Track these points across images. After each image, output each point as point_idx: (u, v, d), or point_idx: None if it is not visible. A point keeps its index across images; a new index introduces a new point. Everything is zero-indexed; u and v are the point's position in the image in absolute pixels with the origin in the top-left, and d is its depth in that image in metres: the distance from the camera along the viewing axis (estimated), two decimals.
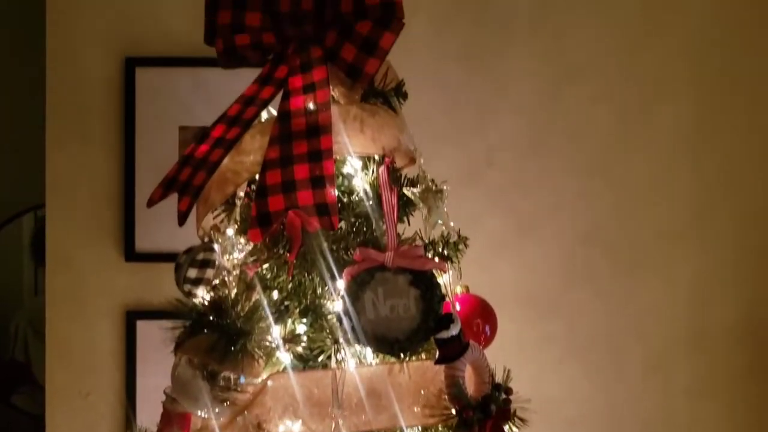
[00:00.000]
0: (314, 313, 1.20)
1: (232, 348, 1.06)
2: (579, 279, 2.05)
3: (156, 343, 1.83)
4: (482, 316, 1.32)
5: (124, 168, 1.95)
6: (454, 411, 1.12)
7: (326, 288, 1.20)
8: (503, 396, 1.19)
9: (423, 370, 1.18)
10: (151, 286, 1.93)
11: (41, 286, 4.03)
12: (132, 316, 1.92)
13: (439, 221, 1.28)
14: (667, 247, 2.06)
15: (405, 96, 1.29)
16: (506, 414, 1.17)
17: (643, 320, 2.07)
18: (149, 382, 1.87)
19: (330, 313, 1.19)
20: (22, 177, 3.42)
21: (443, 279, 1.25)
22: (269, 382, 1.12)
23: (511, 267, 2.02)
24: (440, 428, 1.25)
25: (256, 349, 1.10)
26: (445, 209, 1.30)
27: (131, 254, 1.93)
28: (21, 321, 3.93)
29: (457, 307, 1.27)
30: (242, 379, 1.10)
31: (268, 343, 1.12)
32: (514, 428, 1.22)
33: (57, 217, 1.96)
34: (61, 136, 1.96)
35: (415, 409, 1.15)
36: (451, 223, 1.32)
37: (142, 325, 1.92)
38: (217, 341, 1.07)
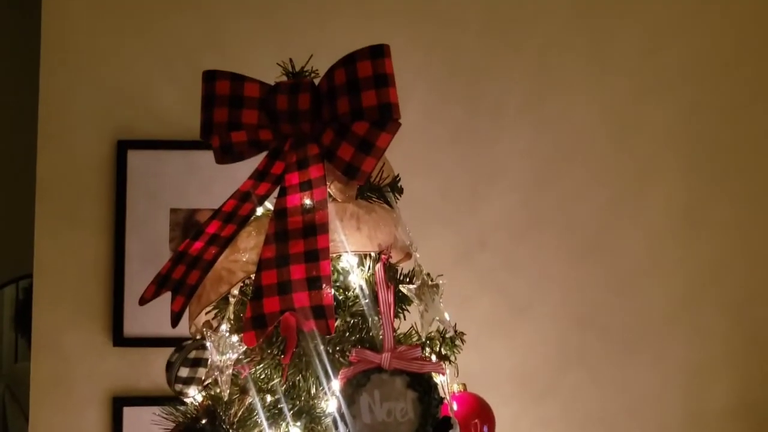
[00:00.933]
0: (308, 415, 1.17)
1: None
2: (573, 361, 2.03)
3: (143, 429, 1.81)
4: (480, 416, 1.29)
5: (114, 250, 1.93)
6: None
7: (321, 389, 1.17)
8: None
9: None
10: (138, 371, 1.89)
11: (21, 353, 3.98)
12: (119, 403, 1.87)
13: (436, 318, 1.27)
14: (660, 330, 2.06)
15: (401, 191, 1.29)
16: None
17: (638, 404, 2.05)
18: None
19: (325, 415, 1.16)
20: (4, 247, 3.40)
21: (440, 379, 1.23)
22: None
23: (504, 349, 2.01)
24: None
25: None
26: (441, 304, 1.28)
27: (119, 339, 1.89)
28: (0, 386, 3.87)
29: (455, 407, 1.24)
30: None
31: None
32: None
33: (44, 299, 1.93)
34: (51, 217, 1.95)
35: None
36: (447, 317, 1.30)
37: (129, 412, 1.87)
38: None
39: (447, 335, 1.30)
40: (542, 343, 2.02)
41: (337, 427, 1.12)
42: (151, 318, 1.86)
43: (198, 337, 1.28)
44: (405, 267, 1.31)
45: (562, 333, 2.03)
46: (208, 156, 1.91)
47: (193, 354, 1.23)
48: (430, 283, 1.27)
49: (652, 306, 2.05)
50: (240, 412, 1.09)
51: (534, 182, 2.05)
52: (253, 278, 1.14)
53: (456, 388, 1.33)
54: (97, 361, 1.90)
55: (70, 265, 1.93)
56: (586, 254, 2.05)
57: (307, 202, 1.15)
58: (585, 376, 2.03)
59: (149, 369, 1.86)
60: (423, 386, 1.15)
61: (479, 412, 1.30)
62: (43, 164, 1.96)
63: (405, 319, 1.31)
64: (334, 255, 1.20)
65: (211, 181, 1.90)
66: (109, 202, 1.95)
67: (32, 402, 1.88)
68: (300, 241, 1.13)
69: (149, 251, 1.88)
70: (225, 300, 1.25)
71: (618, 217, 2.07)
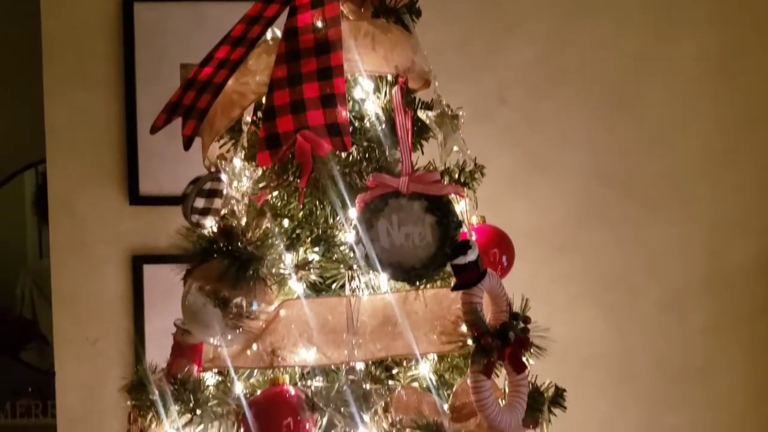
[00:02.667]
0: (326, 242, 1.15)
1: (245, 273, 1.02)
2: (593, 218, 2.00)
3: (163, 287, 1.83)
4: (499, 246, 1.28)
5: (125, 110, 1.89)
6: (471, 338, 1.08)
7: (338, 217, 1.15)
8: (521, 325, 1.15)
9: (439, 299, 1.14)
10: (156, 230, 1.89)
11: (46, 249, 4.02)
12: (138, 261, 1.88)
13: (455, 148, 1.23)
14: (686, 186, 2.01)
15: (419, 14, 1.23)
16: (525, 343, 1.13)
17: (659, 260, 2.03)
18: (157, 327, 1.84)
19: (342, 243, 1.15)
20: (21, 132, 3.37)
21: (459, 207, 1.21)
22: (282, 310, 1.09)
23: (523, 205, 1.98)
24: (456, 357, 1.22)
25: (269, 276, 1.06)
26: (461, 136, 1.24)
27: (135, 198, 1.88)
28: (26, 282, 3.93)
29: (473, 238, 1.22)
30: (255, 306, 1.06)
31: (281, 271, 1.08)
32: (531, 360, 1.19)
33: (58, 164, 1.92)
34: (60, 81, 1.90)
35: (432, 337, 1.12)
36: (468, 151, 1.27)
37: (148, 270, 1.88)
38: (229, 267, 1.02)
39: (467, 168, 1.27)
40: (562, 200, 1.99)
41: (355, 253, 1.11)
42: (166, 176, 1.85)
43: (212, 169, 1.25)
44: (423, 96, 1.26)
45: (583, 190, 1.99)
46: (216, 7, 1.87)
47: (208, 185, 1.21)
48: (450, 113, 1.23)
49: (678, 162, 2.00)
50: (257, 234, 1.07)
51: (555, 35, 1.97)
52: (264, 100, 1.10)
53: (475, 219, 1.31)
54: (114, 221, 1.90)
55: (81, 126, 1.90)
56: (610, 109, 1.99)
57: (319, 21, 1.10)
58: (605, 233, 2.01)
59: (168, 227, 1.84)
60: (441, 210, 1.13)
61: (498, 242, 1.28)
62: (48, 26, 1.90)
63: (423, 153, 1.28)
64: (349, 76, 1.15)
65: (221, 34, 1.82)
66: (117, 60, 1.90)
67: (53, 266, 1.90)
68: (312, 59, 1.08)
69: (161, 108, 1.84)
70: (238, 130, 1.22)
71: (645, 70, 1.99)
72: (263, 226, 1.11)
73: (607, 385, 2.04)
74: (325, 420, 1.08)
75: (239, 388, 1.13)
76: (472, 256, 1.11)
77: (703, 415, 2.07)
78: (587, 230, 2.00)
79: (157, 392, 1.12)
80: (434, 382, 1.19)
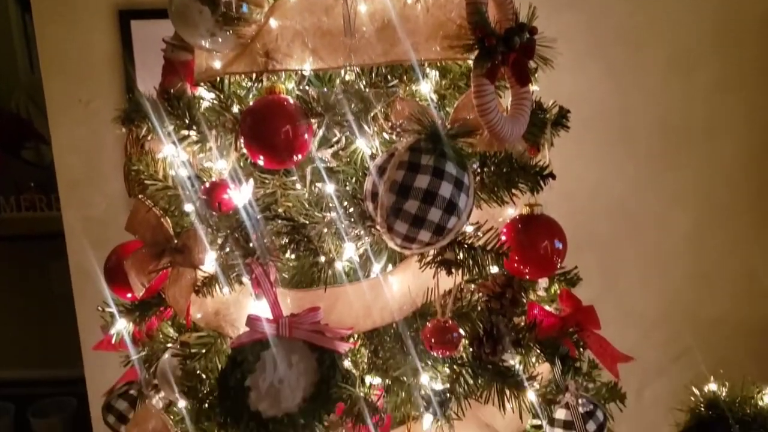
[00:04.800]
0: None
1: None
2: None
3: (154, 45, 1.76)
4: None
5: None
6: (475, 39, 1.03)
7: None
8: (527, 35, 1.10)
9: (442, 4, 1.08)
10: None
11: (36, 63, 3.91)
12: (125, 16, 1.80)
13: None
14: None
15: None
16: (530, 50, 1.09)
17: (669, 15, 1.95)
18: (150, 87, 1.79)
19: None
20: None
21: None
22: (273, 14, 1.02)
23: None
24: (458, 75, 1.18)
25: None
26: None
27: None
28: (20, 97, 3.86)
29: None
30: (245, 9, 1.00)
31: None
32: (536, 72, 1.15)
33: None
34: None
35: (434, 45, 1.07)
36: None
37: (137, 26, 1.80)
38: None
39: None
40: None
41: None
42: None
43: None
44: None
45: None
46: None
47: None
48: None
49: None
50: None
51: None
52: None
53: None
54: None
55: None
56: None
57: None
58: None
59: None
60: None
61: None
62: None
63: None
64: None
65: None
66: None
67: (36, 18, 1.81)
68: None
69: None
70: None
71: None
72: None
73: (607, 145, 2.04)
74: (323, 127, 1.06)
75: (235, 105, 1.10)
76: None
77: (702, 174, 2.08)
78: None
79: (150, 107, 1.10)
80: (435, 101, 1.16)
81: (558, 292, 1.37)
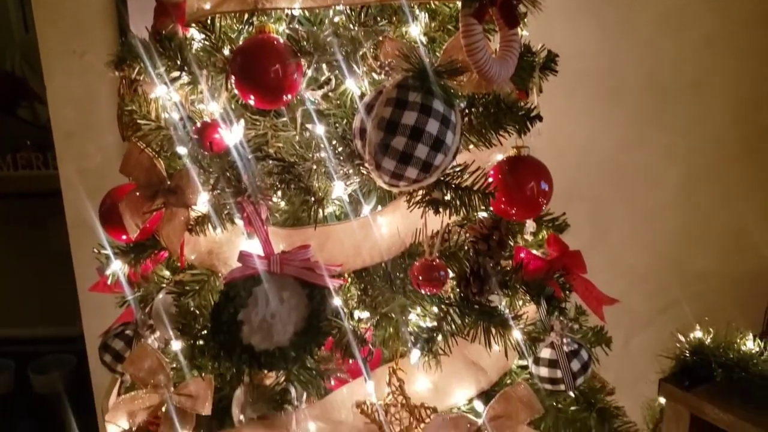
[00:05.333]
0: None
1: None
2: None
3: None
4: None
5: None
6: None
7: None
8: None
9: None
10: None
11: (30, 23, 3.88)
12: None
13: None
14: None
15: None
16: None
17: None
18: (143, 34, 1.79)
19: None
20: None
21: None
22: None
23: None
24: (449, 8, 1.18)
25: None
26: None
27: None
28: (15, 57, 3.84)
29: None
30: None
31: None
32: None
33: None
34: None
35: None
36: None
37: None
38: None
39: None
40: None
41: None
42: None
43: None
44: None
45: None
46: None
47: None
48: None
49: None
50: None
51: None
52: None
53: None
54: None
55: None
56: None
57: None
58: None
59: None
60: None
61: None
62: None
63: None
64: None
65: None
66: None
67: None
68: None
69: None
70: None
71: None
72: None
73: (598, 101, 2.05)
74: (313, 67, 1.08)
75: (226, 47, 1.12)
76: None
77: (691, 130, 2.10)
78: None
79: (143, 49, 1.11)
80: (424, 44, 1.17)
81: (546, 237, 1.40)
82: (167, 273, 1.32)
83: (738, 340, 1.59)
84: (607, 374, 1.49)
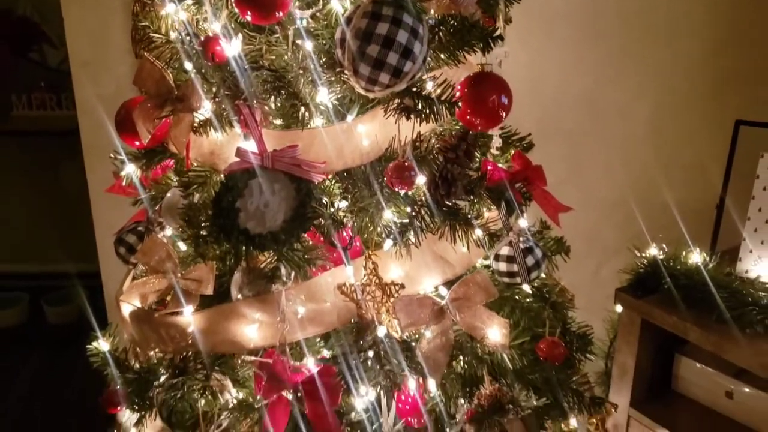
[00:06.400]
0: None
1: None
2: None
3: None
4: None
5: None
6: None
7: None
8: None
9: None
10: None
11: None
12: None
13: None
14: None
15: None
16: None
17: None
18: None
19: None
20: None
21: None
22: None
23: None
24: None
25: None
26: None
27: None
28: (27, 6, 3.95)
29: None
30: None
31: None
32: None
33: None
34: None
35: None
36: None
37: None
38: None
39: None
40: None
41: None
42: None
43: None
44: None
45: None
46: None
47: None
48: None
49: None
50: None
51: None
52: None
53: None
54: None
55: None
56: None
57: None
58: None
59: None
60: None
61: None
62: None
63: None
64: None
65: None
66: None
67: None
68: None
69: None
70: None
71: None
72: None
73: (573, 42, 2.19)
74: None
75: None
76: None
77: (663, 70, 2.25)
78: None
79: None
80: None
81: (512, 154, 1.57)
82: (175, 177, 1.50)
83: (685, 254, 1.76)
84: (579, 298, 1.67)
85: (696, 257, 1.75)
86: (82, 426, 3.18)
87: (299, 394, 1.32)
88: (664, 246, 1.82)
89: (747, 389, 1.73)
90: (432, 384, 1.33)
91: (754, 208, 1.70)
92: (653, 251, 1.83)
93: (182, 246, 1.49)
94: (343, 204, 1.34)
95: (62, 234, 3.95)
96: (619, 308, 1.86)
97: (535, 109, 2.14)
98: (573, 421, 1.65)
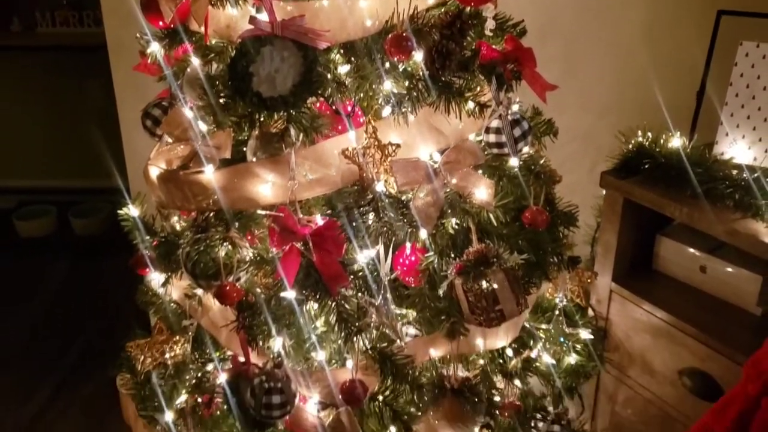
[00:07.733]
0: None
1: None
2: None
3: None
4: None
5: None
6: None
7: None
8: None
9: None
10: None
11: None
12: None
13: None
14: None
15: None
16: None
17: None
18: None
19: None
20: None
21: None
22: None
23: None
24: None
25: None
26: None
27: None
28: None
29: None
30: None
31: None
32: None
33: None
34: None
35: None
36: None
37: None
38: None
39: None
40: None
41: None
42: None
43: None
44: None
45: None
46: None
47: None
48: None
49: None
50: None
51: None
52: None
53: None
54: None
55: None
56: None
57: None
58: None
59: None
60: None
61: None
62: None
63: None
64: None
65: None
66: None
67: None
68: None
69: None
70: None
71: None
72: None
73: None
74: None
75: None
76: None
77: None
78: None
79: None
80: None
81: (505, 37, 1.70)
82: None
83: (665, 138, 1.90)
84: (575, 195, 1.80)
85: (676, 141, 1.88)
86: (102, 329, 3.42)
87: (309, 245, 1.50)
88: (648, 133, 1.95)
89: (718, 264, 1.89)
90: (423, 233, 1.50)
91: (731, 94, 1.83)
92: (639, 138, 1.97)
93: (202, 126, 1.65)
94: (346, 68, 1.49)
95: (87, 151, 4.11)
96: (604, 192, 2.01)
97: (534, 11, 2.24)
98: (558, 297, 1.83)
